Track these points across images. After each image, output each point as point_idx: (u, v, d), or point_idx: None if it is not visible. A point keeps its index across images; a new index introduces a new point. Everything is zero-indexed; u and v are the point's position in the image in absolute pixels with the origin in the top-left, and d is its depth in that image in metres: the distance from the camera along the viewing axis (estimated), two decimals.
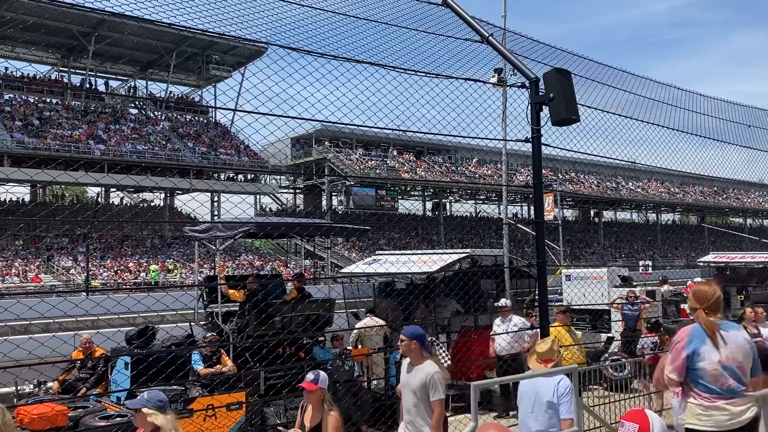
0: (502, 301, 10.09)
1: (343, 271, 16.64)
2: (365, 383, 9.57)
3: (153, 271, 39.13)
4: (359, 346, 10.38)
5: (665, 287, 16.28)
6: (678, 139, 10.13)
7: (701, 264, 20.23)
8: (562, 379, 4.87)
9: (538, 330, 6.87)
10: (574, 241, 62.01)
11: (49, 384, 9.42)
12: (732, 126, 12.01)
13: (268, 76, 5.43)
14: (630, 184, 70.00)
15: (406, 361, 5.16)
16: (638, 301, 12.52)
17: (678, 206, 75.88)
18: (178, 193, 48.47)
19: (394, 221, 54.15)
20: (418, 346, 5.02)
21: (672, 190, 72.45)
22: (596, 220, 71.84)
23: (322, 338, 9.97)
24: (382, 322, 10.67)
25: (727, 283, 18.00)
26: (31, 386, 9.47)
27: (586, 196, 64.21)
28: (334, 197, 56.52)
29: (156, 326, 9.60)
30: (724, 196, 77.06)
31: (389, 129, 6.82)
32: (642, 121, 9.54)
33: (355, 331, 10.63)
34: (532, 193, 6.64)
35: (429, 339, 5.28)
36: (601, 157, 8.81)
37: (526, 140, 6.73)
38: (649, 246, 68.22)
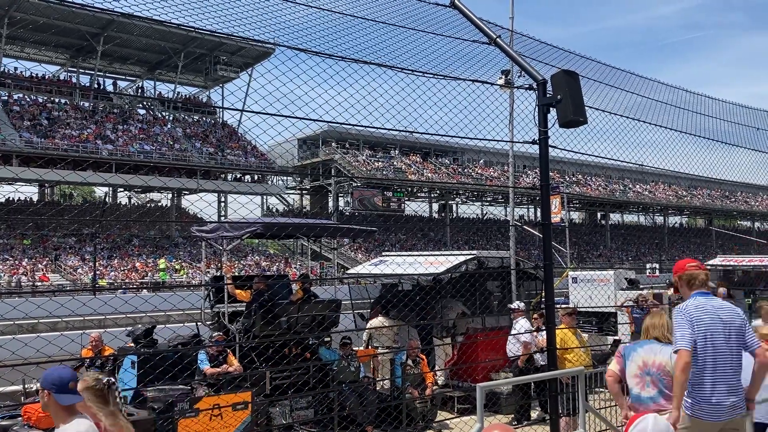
0: (515, 304, 10.14)
1: (349, 271, 16.66)
2: (371, 384, 9.58)
3: (161, 269, 39.20)
4: (370, 346, 10.42)
5: (672, 290, 16.21)
6: (686, 141, 10.11)
7: (708, 267, 20.12)
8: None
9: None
10: (581, 244, 61.84)
11: None
12: (741, 129, 11.97)
13: (276, 77, 5.45)
14: (637, 186, 69.79)
15: None
16: (647, 304, 12.47)
17: (685, 209, 75.58)
18: (186, 194, 48.65)
19: (400, 223, 54.14)
20: (53, 400, 3.29)
21: (680, 192, 72.16)
22: (603, 222, 71.63)
23: (328, 339, 9.99)
24: (392, 321, 10.69)
25: (734, 286, 17.92)
26: (38, 384, 9.51)
27: (593, 199, 64.03)
28: (340, 198, 56.58)
29: (155, 324, 9.62)
30: (732, 199, 76.69)
31: (396, 130, 6.83)
32: (650, 123, 9.52)
33: (367, 330, 10.68)
34: (539, 195, 6.64)
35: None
36: (609, 159, 8.79)
37: (533, 142, 6.74)
38: (656, 249, 67.96)
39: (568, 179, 62.12)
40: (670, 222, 78.46)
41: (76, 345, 9.95)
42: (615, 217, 75.94)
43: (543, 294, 6.74)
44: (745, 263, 19.01)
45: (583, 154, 7.88)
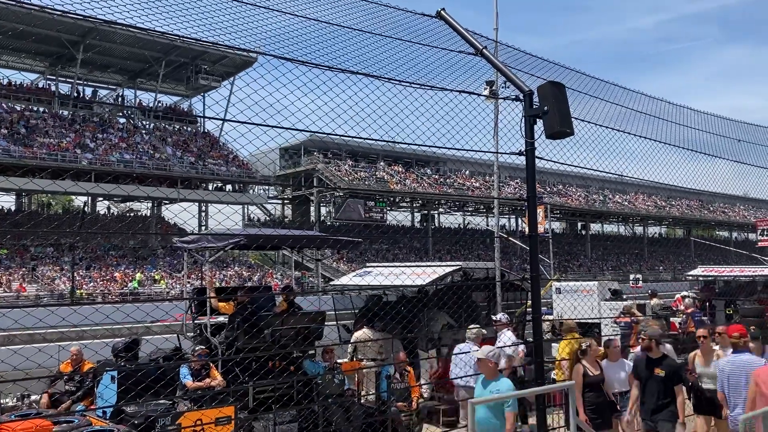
0: (499, 316, 10.08)
1: (333, 283, 16.53)
2: (356, 397, 9.46)
3: (136, 280, 38.74)
4: (355, 359, 10.29)
5: (654, 301, 16.30)
6: (666, 151, 10.16)
7: (690, 277, 20.30)
8: None
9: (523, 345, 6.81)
10: (562, 254, 62.16)
11: (33, 397, 9.22)
12: (719, 139, 12.06)
13: (262, 87, 5.38)
14: (617, 197, 70.41)
15: None
16: (631, 319, 12.45)
17: (665, 219, 76.37)
18: (166, 203, 48.17)
19: (384, 233, 54.04)
20: None
21: (659, 203, 72.92)
22: (583, 232, 72.12)
23: (312, 351, 9.84)
24: (377, 334, 10.58)
25: (715, 297, 18.06)
26: (14, 400, 9.27)
27: (573, 209, 64.45)
28: (322, 207, 56.37)
29: (137, 339, 9.42)
30: (710, 209, 77.69)
31: (381, 140, 6.77)
32: (631, 133, 9.55)
33: (351, 342, 10.56)
34: (525, 206, 6.62)
35: None
36: (589, 169, 8.80)
37: (520, 153, 6.72)
38: (636, 259, 68.51)
39: (548, 189, 62.52)
40: (649, 232, 79.27)
41: (53, 360, 9.72)
42: (595, 227, 76.56)
43: (529, 305, 6.70)
44: (725, 273, 19.17)
45: (569, 165, 7.88)
